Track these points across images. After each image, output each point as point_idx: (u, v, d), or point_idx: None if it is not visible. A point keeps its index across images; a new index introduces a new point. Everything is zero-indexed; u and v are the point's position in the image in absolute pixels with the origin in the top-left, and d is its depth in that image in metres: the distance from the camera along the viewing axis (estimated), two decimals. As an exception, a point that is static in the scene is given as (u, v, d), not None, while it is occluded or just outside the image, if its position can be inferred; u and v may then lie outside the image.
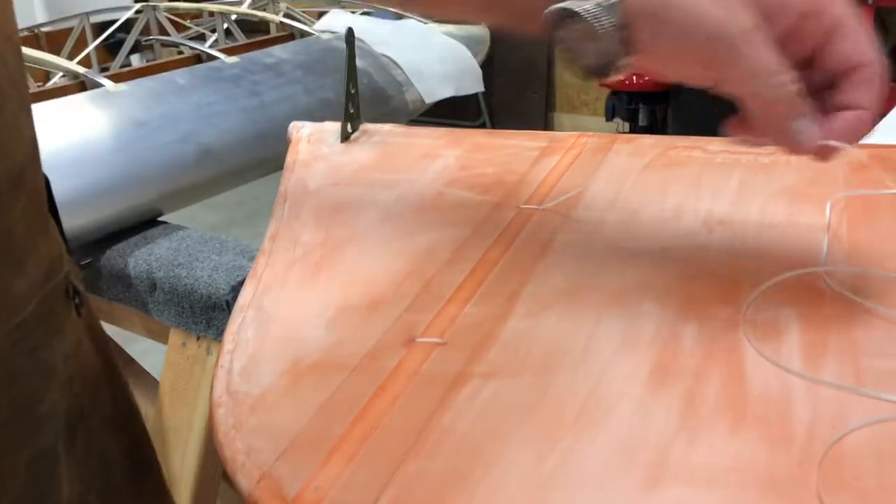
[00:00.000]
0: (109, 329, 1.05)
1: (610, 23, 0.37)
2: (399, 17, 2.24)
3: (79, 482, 0.45)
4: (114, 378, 0.50)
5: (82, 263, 0.95)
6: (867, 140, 0.41)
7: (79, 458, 0.45)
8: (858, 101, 0.37)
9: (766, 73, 0.36)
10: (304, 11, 1.85)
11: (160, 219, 1.03)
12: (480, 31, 2.87)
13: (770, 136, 0.39)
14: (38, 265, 0.41)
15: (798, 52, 0.37)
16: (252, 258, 0.88)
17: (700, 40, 0.36)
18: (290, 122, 0.68)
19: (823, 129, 0.37)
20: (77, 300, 0.46)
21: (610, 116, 3.16)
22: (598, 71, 0.39)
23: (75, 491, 0.45)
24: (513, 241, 0.49)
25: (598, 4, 0.37)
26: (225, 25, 1.75)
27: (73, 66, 1.17)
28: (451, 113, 2.32)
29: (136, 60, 1.96)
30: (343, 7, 2.07)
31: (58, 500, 0.44)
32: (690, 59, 0.37)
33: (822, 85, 0.38)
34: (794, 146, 0.38)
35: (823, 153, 0.37)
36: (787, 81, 0.36)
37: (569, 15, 0.38)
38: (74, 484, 0.44)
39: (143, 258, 0.91)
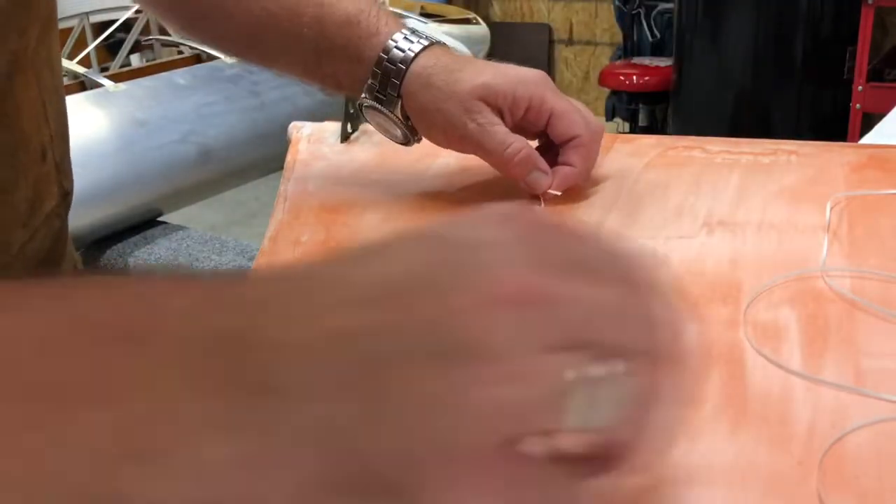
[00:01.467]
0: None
1: (397, 115, 0.53)
2: (399, 17, 2.23)
3: None
4: None
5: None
6: (867, 140, 0.41)
7: None
8: (570, 161, 0.53)
9: (499, 149, 0.52)
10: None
11: (160, 219, 1.03)
12: (480, 30, 2.86)
13: (520, 184, 0.53)
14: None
15: (534, 128, 0.54)
16: (252, 258, 0.88)
17: (457, 135, 0.53)
18: (290, 122, 0.68)
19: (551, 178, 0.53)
20: (69, 197, 0.51)
21: (610, 116, 3.16)
22: (402, 142, 0.56)
23: None
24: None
25: (386, 103, 0.53)
26: (225, 25, 1.75)
27: (73, 65, 1.17)
28: (451, 113, 2.32)
29: (136, 60, 1.96)
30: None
31: None
32: (454, 142, 0.54)
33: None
34: (532, 189, 0.53)
35: (547, 196, 0.53)
36: (517, 151, 0.52)
37: (372, 107, 0.54)
38: None
39: (144, 258, 0.91)
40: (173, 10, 0.59)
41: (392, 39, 0.53)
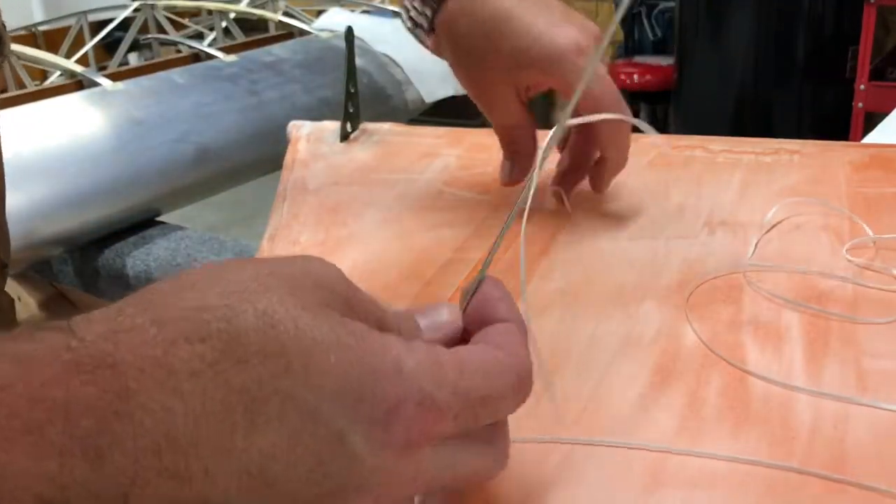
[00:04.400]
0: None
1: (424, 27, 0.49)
2: (399, 15, 2.22)
3: None
4: None
5: None
6: (869, 140, 0.41)
7: None
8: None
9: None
10: (303, 10, 1.84)
11: (158, 219, 1.03)
12: (480, 30, 2.83)
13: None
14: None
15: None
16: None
17: (550, 59, 0.46)
18: (289, 122, 0.68)
19: None
20: (6, 269, 0.49)
21: (610, 115, 3.16)
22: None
23: None
24: (513, 242, 0.49)
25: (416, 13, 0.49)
26: (223, 24, 1.75)
27: (71, 64, 1.17)
28: (452, 112, 2.32)
29: (134, 59, 1.96)
30: (342, 5, 2.07)
31: None
32: (531, 72, 0.47)
33: None
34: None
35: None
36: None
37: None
38: None
39: (142, 258, 0.91)
40: None
41: None
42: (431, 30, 0.50)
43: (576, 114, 0.47)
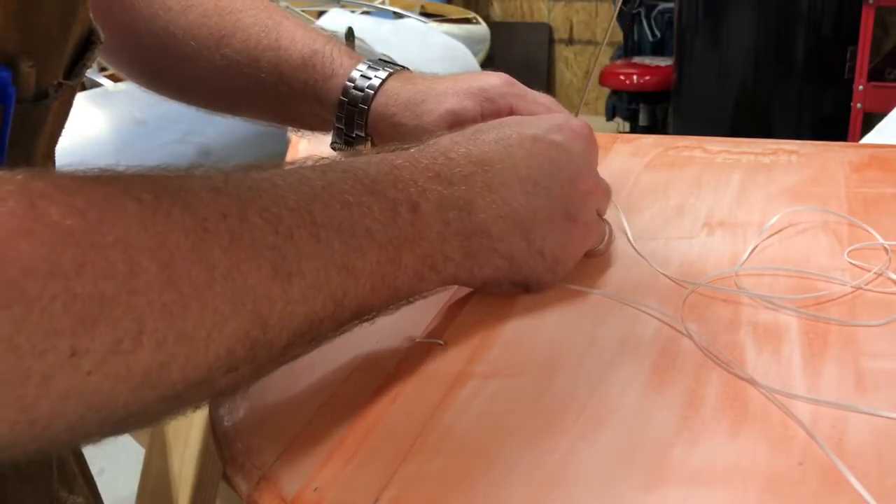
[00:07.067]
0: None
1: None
2: (399, 16, 2.24)
3: None
4: None
5: None
6: (867, 140, 0.42)
7: None
8: None
9: None
10: (304, 10, 1.84)
11: (160, 218, 1.03)
12: (480, 30, 2.86)
13: None
14: None
15: None
16: (252, 258, 0.88)
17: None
18: (290, 122, 0.68)
19: None
20: None
21: (610, 116, 3.17)
22: None
23: None
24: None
25: (356, 143, 0.53)
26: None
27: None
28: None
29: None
30: (343, 6, 2.08)
31: None
32: None
33: None
34: None
35: None
36: None
37: (342, 150, 0.55)
38: None
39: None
40: (133, 64, 0.59)
41: (349, 80, 0.52)
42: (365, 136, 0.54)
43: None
